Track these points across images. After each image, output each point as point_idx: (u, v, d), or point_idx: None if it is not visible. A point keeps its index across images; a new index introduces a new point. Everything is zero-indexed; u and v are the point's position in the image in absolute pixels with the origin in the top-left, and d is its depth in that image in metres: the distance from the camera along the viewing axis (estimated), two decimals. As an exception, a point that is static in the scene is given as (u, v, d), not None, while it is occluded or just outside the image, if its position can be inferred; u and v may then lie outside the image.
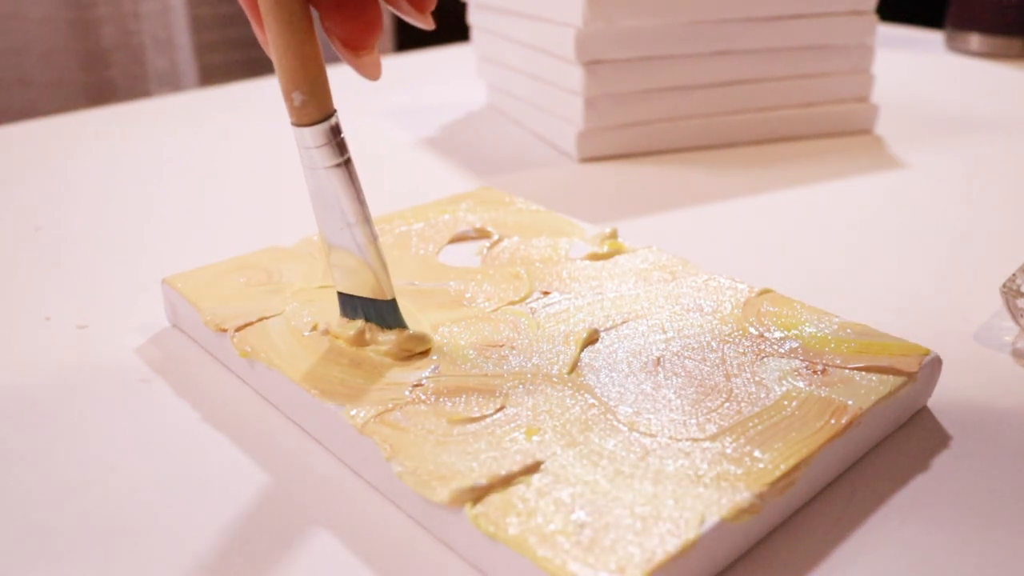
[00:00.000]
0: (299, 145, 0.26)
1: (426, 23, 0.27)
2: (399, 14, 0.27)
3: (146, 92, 0.97)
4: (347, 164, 0.26)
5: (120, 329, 0.34)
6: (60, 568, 0.23)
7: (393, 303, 0.28)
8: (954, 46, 0.84)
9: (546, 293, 0.32)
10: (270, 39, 0.25)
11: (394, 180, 0.52)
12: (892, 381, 0.27)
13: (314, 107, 0.25)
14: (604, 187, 0.50)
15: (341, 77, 0.69)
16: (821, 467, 0.24)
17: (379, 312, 0.28)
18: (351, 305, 0.29)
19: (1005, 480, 0.25)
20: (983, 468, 0.26)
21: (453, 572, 0.22)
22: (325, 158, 0.26)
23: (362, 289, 0.28)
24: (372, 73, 0.26)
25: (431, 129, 0.61)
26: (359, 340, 0.28)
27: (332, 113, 0.26)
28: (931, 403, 0.29)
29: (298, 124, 0.26)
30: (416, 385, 0.27)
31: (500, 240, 0.37)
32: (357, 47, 0.25)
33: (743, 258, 0.40)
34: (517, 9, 0.57)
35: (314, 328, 0.29)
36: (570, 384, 0.27)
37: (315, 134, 0.26)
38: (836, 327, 0.30)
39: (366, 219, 0.27)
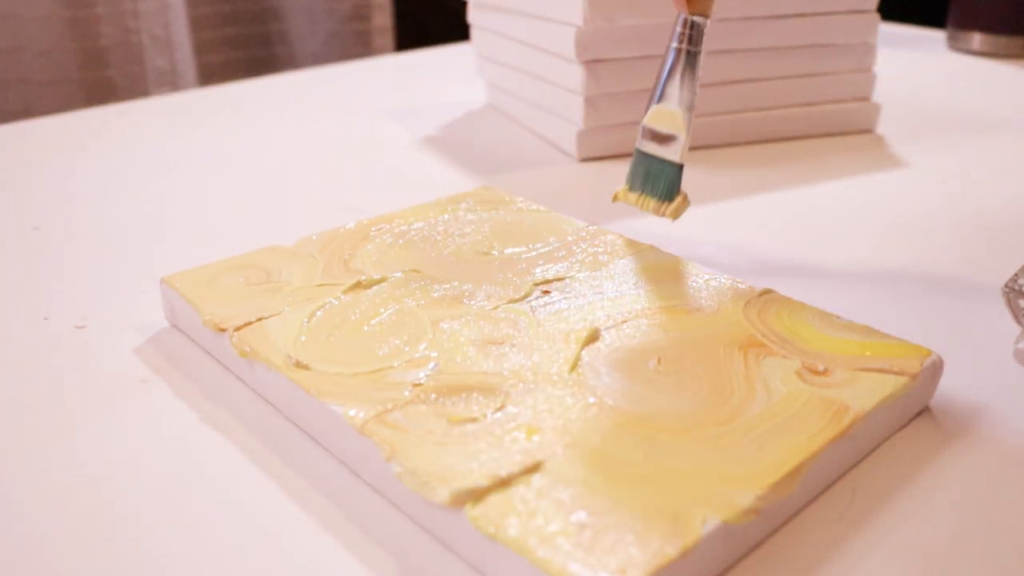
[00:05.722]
0: (690, 33, 0.36)
1: None
2: None
3: (145, 91, 0.97)
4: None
5: (119, 329, 0.34)
6: (58, 568, 0.23)
7: (682, 167, 0.37)
8: (956, 45, 0.84)
9: (546, 292, 0.32)
10: None
11: (394, 179, 0.51)
12: (894, 382, 0.27)
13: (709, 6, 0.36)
14: (604, 187, 0.50)
15: (342, 77, 0.69)
16: (822, 468, 0.24)
17: (669, 172, 0.37)
18: (643, 167, 0.38)
19: (1007, 481, 0.25)
20: (985, 469, 0.26)
21: (453, 572, 0.22)
22: (704, 44, 0.36)
23: (667, 153, 0.37)
24: None
25: (431, 128, 0.61)
26: (627, 197, 0.38)
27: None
28: (932, 403, 0.29)
29: (703, 14, 0.36)
30: (416, 385, 0.27)
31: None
32: None
33: (744, 258, 0.40)
34: (517, 8, 0.57)
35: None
36: (571, 383, 0.27)
37: (704, 24, 0.36)
38: (837, 327, 0.30)
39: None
